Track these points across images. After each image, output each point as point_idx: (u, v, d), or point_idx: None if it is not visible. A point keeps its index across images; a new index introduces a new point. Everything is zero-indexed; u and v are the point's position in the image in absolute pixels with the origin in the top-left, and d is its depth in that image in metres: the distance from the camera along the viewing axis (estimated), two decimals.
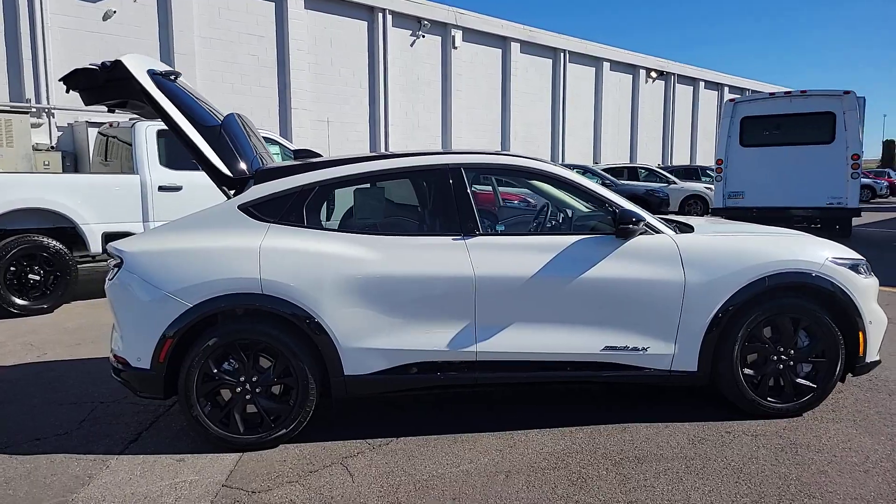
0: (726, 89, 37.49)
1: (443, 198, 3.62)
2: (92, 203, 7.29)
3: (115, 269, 3.46)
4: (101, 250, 7.32)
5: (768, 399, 3.68)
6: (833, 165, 11.70)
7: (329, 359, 3.43)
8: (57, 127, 13.10)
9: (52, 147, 13.47)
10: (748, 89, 39.59)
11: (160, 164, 7.67)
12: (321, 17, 16.78)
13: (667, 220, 3.94)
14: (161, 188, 7.59)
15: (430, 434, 3.59)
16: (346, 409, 3.96)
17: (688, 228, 3.86)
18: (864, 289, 3.70)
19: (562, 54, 24.79)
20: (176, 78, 3.82)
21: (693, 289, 3.55)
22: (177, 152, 8.04)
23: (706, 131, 35.91)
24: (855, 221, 13.99)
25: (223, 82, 15.02)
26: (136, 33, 13.71)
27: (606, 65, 27.42)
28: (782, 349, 3.66)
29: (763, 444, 3.37)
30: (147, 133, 7.65)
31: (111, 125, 8.68)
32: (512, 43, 22.38)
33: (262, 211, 3.55)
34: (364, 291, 3.42)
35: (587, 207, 3.86)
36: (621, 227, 3.51)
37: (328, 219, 3.73)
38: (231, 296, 3.34)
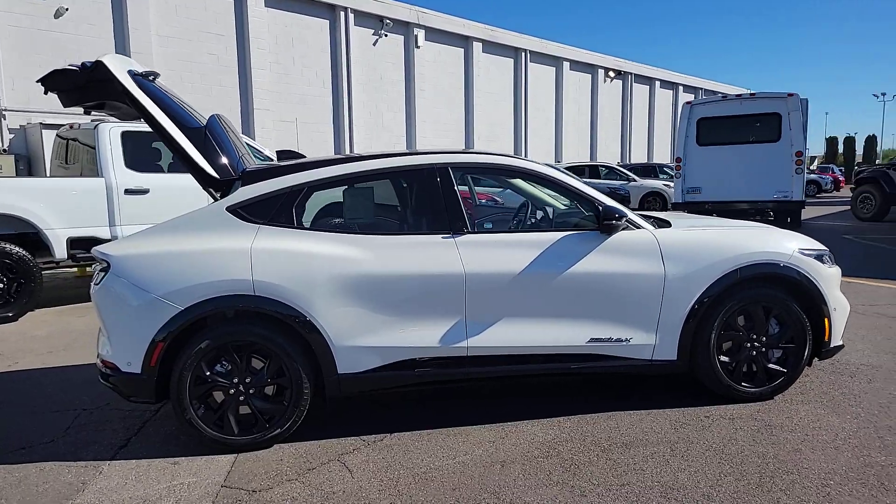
0: (680, 88, 38.48)
1: (431, 197, 3.69)
2: (56, 207, 7.13)
3: (102, 274, 3.43)
4: (65, 256, 7.16)
5: (742, 384, 3.87)
6: (780, 162, 12.51)
7: (323, 358, 3.47)
8: (8, 129, 12.69)
9: (5, 150, 13.06)
10: (701, 88, 40.71)
11: (125, 166, 7.54)
12: (282, 16, 16.63)
13: (645, 216, 4.10)
14: (127, 191, 7.46)
15: (422, 429, 3.66)
16: (337, 407, 4.00)
17: (665, 223, 4.01)
18: (829, 277, 3.92)
19: (523, 54, 25.08)
20: (154, 79, 3.80)
21: (672, 281, 3.71)
22: (142, 154, 7.93)
23: (662, 129, 36.79)
24: (804, 215, 14.63)
25: (182, 81, 14.76)
26: (90, 31, 13.38)
27: (566, 64, 27.86)
28: (755, 336, 3.85)
29: (740, 426, 3.55)
30: (111, 135, 7.51)
31: (71, 127, 8.47)
32: (474, 42, 22.56)
33: (251, 212, 3.56)
34: (356, 291, 3.47)
35: (569, 205, 3.98)
36: (605, 224, 3.65)
37: (318, 219, 3.76)
38: (223, 298, 3.35)
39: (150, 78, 3.74)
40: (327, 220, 3.79)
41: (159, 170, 7.93)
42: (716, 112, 13.09)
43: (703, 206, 13.02)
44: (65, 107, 3.75)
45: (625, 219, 3.71)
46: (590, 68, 30.10)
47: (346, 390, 3.55)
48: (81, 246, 7.24)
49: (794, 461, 3.13)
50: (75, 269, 9.12)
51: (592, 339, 3.70)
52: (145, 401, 3.48)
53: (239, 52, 15.71)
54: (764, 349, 3.87)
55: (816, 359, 3.99)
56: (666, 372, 3.84)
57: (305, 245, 3.50)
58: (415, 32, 20.19)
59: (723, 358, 3.83)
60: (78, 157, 8.31)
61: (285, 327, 3.43)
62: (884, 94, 74.35)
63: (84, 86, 3.55)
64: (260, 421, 3.46)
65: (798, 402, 3.87)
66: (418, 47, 20.27)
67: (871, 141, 55.90)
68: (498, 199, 9.62)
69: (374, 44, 19.19)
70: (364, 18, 18.66)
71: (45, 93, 3.71)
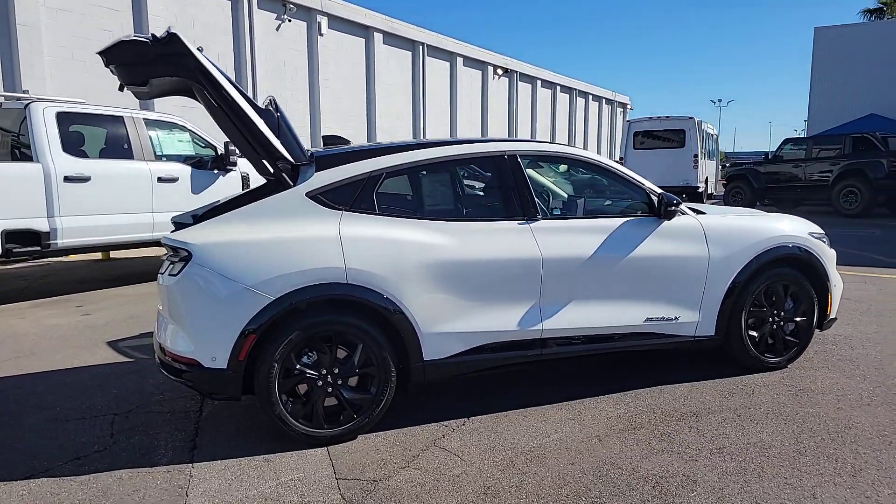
0: (558, 88, 40.42)
1: (505, 183, 3.76)
2: None
3: (181, 263, 3.17)
4: (0, 251, 6.37)
5: (766, 355, 4.30)
6: (684, 161, 18.54)
7: (410, 345, 3.44)
8: None
9: None
10: (576, 89, 43.06)
11: (63, 150, 6.82)
12: None
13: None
14: (67, 179, 6.76)
15: (495, 412, 3.73)
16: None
17: (700, 212, 4.35)
18: (831, 257, 4.46)
19: (421, 47, 25.22)
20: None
21: (715, 263, 4.05)
22: (80, 138, 7.23)
23: (543, 127, 38.46)
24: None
25: (74, 59, 13.41)
26: None
27: (460, 60, 28.33)
28: (775, 311, 4.29)
29: (778, 391, 3.96)
30: (46, 116, 6.77)
31: None
32: (375, 33, 22.35)
33: (332, 198, 3.45)
34: (442, 277, 3.48)
35: (621, 192, 4.19)
36: (668, 210, 3.91)
37: (398, 205, 3.69)
38: (316, 286, 3.23)
39: (202, 52, 3.49)
40: (407, 206, 3.73)
41: (102, 155, 7.26)
42: (645, 128, 19.25)
43: None
44: (123, 82, 3.40)
45: (680, 206, 4.00)
46: (480, 65, 30.80)
47: (430, 377, 3.55)
48: (16, 240, 6.48)
49: (844, 418, 3.55)
50: None
51: (648, 319, 3.95)
52: (228, 397, 3.28)
53: (136, 30, 14.48)
54: (782, 323, 4.32)
55: (819, 330, 4.51)
56: (705, 347, 4.18)
57: (392, 231, 3.44)
58: (318, 19, 19.63)
59: (752, 332, 4.24)
60: None
61: (375, 315, 3.37)
62: (720, 100, 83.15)
63: (152, 60, 3.25)
64: (347, 412, 3.37)
65: (809, 369, 4.37)
66: (322, 35, 19.75)
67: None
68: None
69: (278, 28, 18.45)
70: (268, 2, 17.86)
71: (107, 65, 3.34)
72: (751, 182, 18.90)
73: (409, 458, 3.20)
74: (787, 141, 19.91)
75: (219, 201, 4.52)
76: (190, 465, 3.15)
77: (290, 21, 18.77)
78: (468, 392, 4.04)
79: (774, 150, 19.68)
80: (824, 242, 4.46)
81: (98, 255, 9.79)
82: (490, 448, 3.28)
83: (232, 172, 8.34)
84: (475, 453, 3.23)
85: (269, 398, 3.21)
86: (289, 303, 3.19)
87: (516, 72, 34.56)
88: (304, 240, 3.29)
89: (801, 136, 29.56)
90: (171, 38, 3.19)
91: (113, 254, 9.83)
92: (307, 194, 3.42)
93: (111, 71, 3.40)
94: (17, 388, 4.25)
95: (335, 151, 3.75)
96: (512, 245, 3.63)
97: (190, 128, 8.27)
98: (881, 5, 42.24)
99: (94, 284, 7.89)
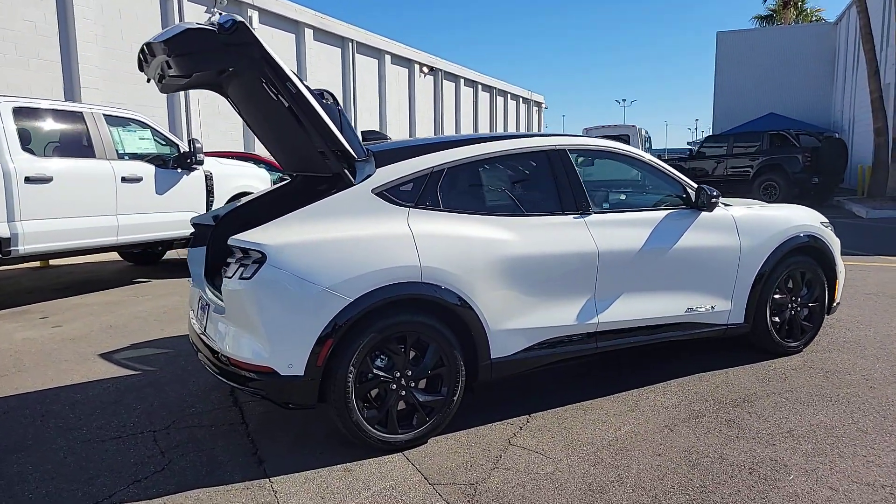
0: (480, 86, 40.94)
1: (558, 178, 3.75)
2: None
3: (255, 266, 2.96)
4: None
5: (786, 340, 4.52)
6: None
7: (479, 343, 3.37)
8: None
9: None
10: (496, 87, 43.79)
11: (22, 149, 6.24)
12: None
13: None
14: (29, 180, 6.18)
15: (553, 408, 3.72)
16: None
17: (728, 204, 4.50)
18: (838, 245, 4.73)
19: (350, 44, 24.84)
20: None
21: (745, 253, 4.21)
22: (40, 136, 6.63)
23: (467, 124, 38.80)
24: None
25: None
26: None
27: (388, 57, 28.13)
28: (794, 298, 4.51)
29: (809, 374, 4.15)
30: (2, 111, 6.16)
31: None
32: (305, 29, 21.83)
33: (397, 195, 3.32)
34: (508, 273, 3.43)
35: (660, 185, 4.26)
36: (712, 202, 4.03)
37: (460, 201, 3.59)
38: (392, 286, 3.10)
39: None
40: (468, 202, 3.63)
41: (62, 153, 6.68)
42: (599, 133, 21.34)
43: None
44: (180, 73, 3.11)
45: (719, 198, 4.12)
46: (407, 63, 30.71)
47: (497, 375, 3.49)
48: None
49: (881, 396, 3.77)
50: None
51: (689, 308, 4.05)
52: (303, 406, 3.09)
53: (61, 21, 13.44)
54: (799, 308, 4.55)
55: (826, 314, 4.78)
56: (735, 334, 4.34)
57: (460, 228, 3.36)
58: (249, 13, 18.92)
59: (774, 318, 4.44)
60: None
61: (447, 314, 3.28)
62: (625, 100, 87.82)
63: (215, 49, 3.00)
64: (420, 415, 3.26)
65: (822, 352, 4.62)
66: (254, 29, 19.06)
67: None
68: None
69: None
70: None
71: (170, 55, 3.04)
72: None
73: (492, 458, 3.13)
74: (709, 138, 21.09)
75: (239, 201, 4.28)
76: (267, 479, 2.95)
77: (221, 14, 18.00)
78: (515, 389, 4.01)
79: (696, 147, 21.17)
80: (832, 231, 4.73)
81: (37, 263, 9.04)
82: (568, 444, 3.27)
83: (196, 171, 7.90)
84: (556, 450, 3.20)
85: (346, 404, 3.05)
86: (367, 304, 3.04)
87: (441, 70, 34.71)
88: (379, 238, 3.15)
89: (711, 134, 31.33)
90: (238, 27, 2.97)
91: (53, 261, 9.11)
92: (373, 191, 3.28)
93: (166, 62, 3.10)
94: (27, 409, 3.85)
95: (392, 147, 3.62)
96: (571, 239, 3.63)
97: (150, 124, 7.76)
98: (770, 12, 45.61)
99: (46, 294, 7.26)
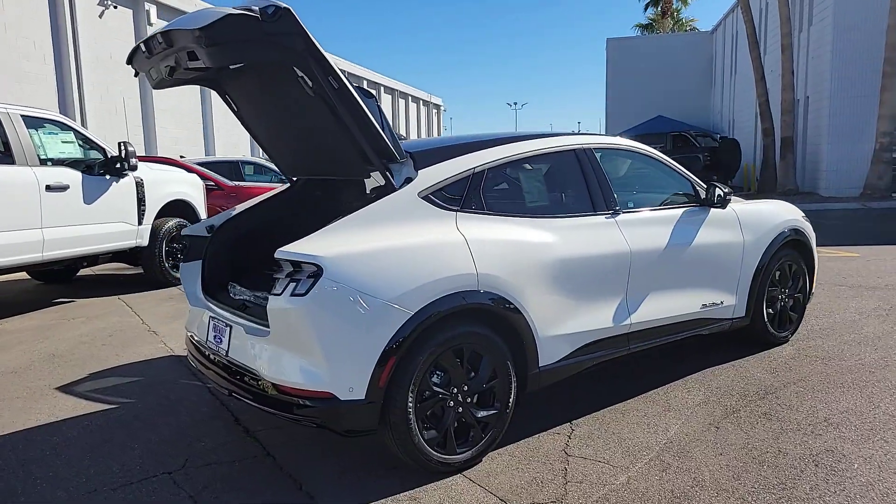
0: (382, 88, 40.69)
1: (587, 177, 3.66)
2: None
3: (310, 280, 2.64)
4: None
5: (777, 330, 4.69)
6: None
7: (529, 352, 3.22)
8: None
9: None
10: (398, 90, 43.69)
11: None
12: None
13: None
14: None
15: (589, 413, 3.63)
16: None
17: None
18: (814, 237, 4.98)
19: None
20: None
21: (747, 248, 4.32)
22: None
23: None
24: None
25: None
26: None
27: None
28: (783, 290, 4.70)
29: (812, 363, 4.32)
30: None
31: None
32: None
33: (442, 198, 3.11)
34: (553, 276, 3.31)
35: (671, 184, 4.27)
36: (725, 200, 4.09)
37: (501, 203, 3.40)
38: (452, 295, 2.89)
39: None
40: (509, 203, 3.45)
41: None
42: None
43: None
44: (211, 64, 2.68)
45: (731, 196, 4.20)
46: None
47: (543, 383, 3.35)
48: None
49: (885, 380, 3.97)
50: None
51: (703, 305, 4.10)
52: (364, 433, 2.80)
53: None
54: (788, 299, 4.75)
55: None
56: (737, 328, 4.45)
57: (507, 231, 3.20)
58: (146, 7, 17.65)
59: (769, 310, 4.60)
60: None
61: (500, 323, 3.11)
62: (516, 104, 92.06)
63: (257, 38, 2.62)
64: (476, 431, 3.07)
65: (807, 339, 4.84)
66: (151, 24, 17.77)
67: None
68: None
69: (101, 15, 16.24)
70: None
71: (208, 45, 2.60)
72: None
73: (558, 472, 2.99)
74: None
75: (235, 208, 3.88)
76: None
77: (115, 7, 16.69)
78: (539, 397, 3.89)
79: None
80: (810, 224, 4.98)
81: None
82: (626, 451, 3.18)
83: (126, 178, 7.18)
84: (617, 457, 3.11)
85: (407, 427, 2.81)
86: (426, 316, 2.81)
87: (344, 71, 34.13)
88: (434, 245, 2.93)
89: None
90: (284, 14, 2.62)
91: None
92: (419, 194, 3.04)
93: (190, 53, 2.68)
94: (15, 450, 3.29)
95: (427, 147, 3.40)
96: (607, 239, 3.56)
97: (73, 125, 6.97)
98: (650, 21, 48.65)
99: None
